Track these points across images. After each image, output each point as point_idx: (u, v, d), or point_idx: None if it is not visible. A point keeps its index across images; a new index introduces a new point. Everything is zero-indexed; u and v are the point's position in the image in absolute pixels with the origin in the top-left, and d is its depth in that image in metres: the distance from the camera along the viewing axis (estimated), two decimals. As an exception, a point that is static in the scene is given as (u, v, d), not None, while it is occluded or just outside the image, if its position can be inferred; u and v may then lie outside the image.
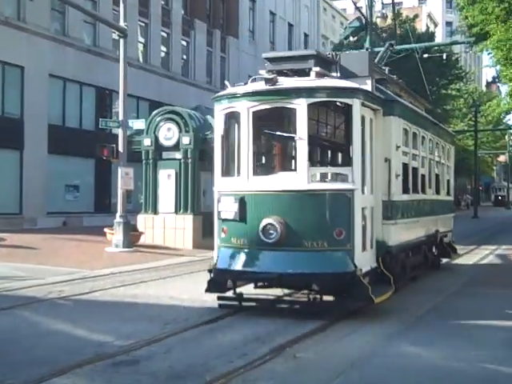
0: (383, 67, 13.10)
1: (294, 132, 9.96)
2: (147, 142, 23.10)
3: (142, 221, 22.91)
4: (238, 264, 9.94)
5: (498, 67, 18.96)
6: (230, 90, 10.69)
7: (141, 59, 34.28)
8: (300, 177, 9.74)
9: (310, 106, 9.83)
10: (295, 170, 10.12)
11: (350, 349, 7.99)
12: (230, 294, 10.31)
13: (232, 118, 10.59)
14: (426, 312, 10.38)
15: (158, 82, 34.70)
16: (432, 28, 76.66)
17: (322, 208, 9.70)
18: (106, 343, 8.14)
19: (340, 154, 12.53)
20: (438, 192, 15.50)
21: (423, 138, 13.65)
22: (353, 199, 9.66)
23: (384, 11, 26.55)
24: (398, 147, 11.28)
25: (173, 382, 6.72)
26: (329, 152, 13.84)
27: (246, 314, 10.13)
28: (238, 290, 10.28)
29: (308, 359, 7.54)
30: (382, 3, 26.25)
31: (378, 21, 27.41)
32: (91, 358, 7.32)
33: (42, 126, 27.70)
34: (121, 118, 21.25)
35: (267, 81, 9.83)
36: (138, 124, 22.44)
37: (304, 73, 10.40)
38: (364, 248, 10.03)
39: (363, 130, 10.19)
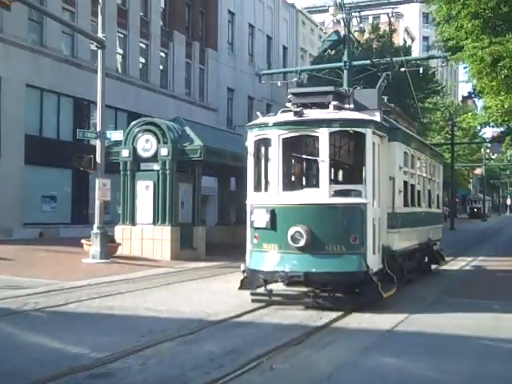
0: (382, 96, 14.59)
1: (317, 155, 11.93)
2: (125, 153, 23.05)
3: (120, 232, 22.80)
4: (269, 265, 11.65)
5: (474, 81, 19.21)
6: (261, 119, 12.73)
7: (119, 70, 34.21)
8: (322, 192, 11.66)
9: (330, 134, 11.85)
10: (318, 186, 12.01)
11: (327, 360, 8.01)
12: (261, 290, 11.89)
13: (263, 144, 12.48)
14: (402, 322, 10.45)
15: (137, 93, 34.65)
16: (409, 42, 77.54)
17: (340, 218, 11.60)
18: (81, 355, 8.06)
19: (355, 174, 13.67)
20: (429, 205, 17.64)
21: (419, 158, 15.88)
22: (365, 211, 11.61)
23: (362, 25, 26.77)
24: (400, 168, 13.47)
25: (149, 394, 6.69)
26: (345, 171, 15.67)
27: (225, 325, 10.14)
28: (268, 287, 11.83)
29: (285, 370, 7.54)
30: (360, 17, 26.46)
31: (356, 34, 27.65)
32: (66, 371, 7.24)
33: (18, 136, 27.49)
34: (99, 128, 21.17)
35: (295, 113, 11.79)
36: (116, 135, 22.37)
37: (324, 105, 12.33)
38: (374, 252, 11.90)
39: (373, 154, 12.05)
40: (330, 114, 12.05)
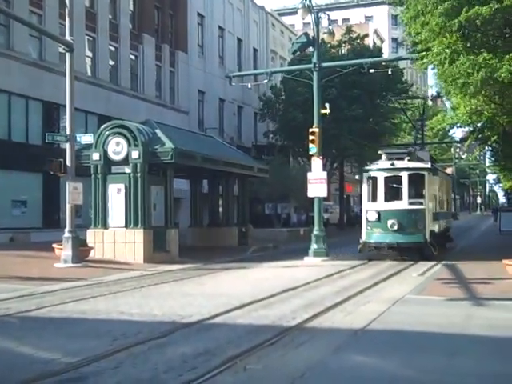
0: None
1: (401, 184, 22.50)
2: (96, 156, 22.94)
3: (92, 235, 22.67)
4: (377, 239, 22.45)
5: (441, 83, 19.45)
6: (371, 166, 23.80)
7: (89, 73, 33.96)
8: (404, 203, 22.41)
9: (408, 174, 22.42)
10: (402, 199, 22.54)
11: (300, 360, 8.05)
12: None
13: (372, 178, 23.07)
14: (375, 320, 10.54)
15: (107, 96, 34.44)
16: (379, 44, 78.11)
17: (413, 215, 22.23)
18: (52, 360, 7.99)
19: (419, 193, 23.14)
20: (447, 208, 29.94)
21: (441, 180, 27.46)
22: (424, 212, 22.44)
23: (331, 27, 26.90)
24: (435, 189, 24.75)
25: (122, 398, 6.67)
26: (415, 192, 23.26)
27: (199, 327, 10.15)
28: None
29: (258, 371, 7.56)
30: (329, 19, 26.60)
31: (325, 37, 27.78)
32: (37, 376, 7.18)
33: (-13, 140, 27.15)
34: (68, 132, 21.01)
35: (391, 164, 22.57)
36: (86, 138, 22.23)
37: (402, 158, 22.98)
38: (428, 232, 22.27)
39: (427, 183, 22.93)
40: (406, 163, 22.80)
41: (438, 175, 26.09)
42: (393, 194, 22.90)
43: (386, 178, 22.51)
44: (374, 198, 22.81)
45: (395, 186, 22.93)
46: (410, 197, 22.64)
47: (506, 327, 10.03)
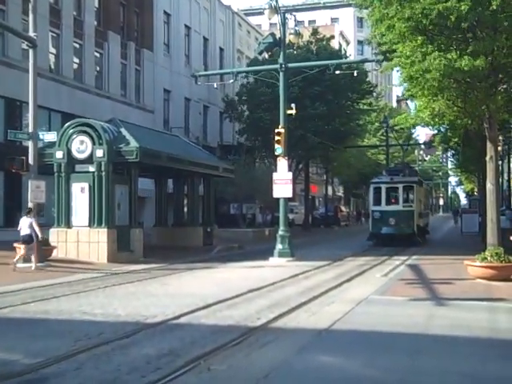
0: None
1: (398, 193, 32.10)
2: (59, 154, 22.67)
3: (55, 235, 22.39)
4: (380, 230, 31.26)
5: (405, 85, 19.64)
6: (376, 179, 33.64)
7: (53, 70, 33.49)
8: (400, 205, 31.68)
9: (403, 186, 31.91)
10: (398, 203, 31.87)
11: (264, 360, 8.05)
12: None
13: (377, 188, 32.40)
14: (339, 320, 10.60)
15: (71, 93, 34.00)
16: (344, 45, 78.72)
17: (406, 214, 31.04)
18: (12, 361, 7.86)
19: (409, 198, 32.24)
20: (425, 208, 40.99)
21: (424, 190, 39.33)
22: (414, 212, 31.48)
23: (297, 28, 26.97)
24: (420, 196, 33.95)
25: (84, 399, 6.58)
26: (407, 198, 32.35)
27: (163, 328, 10.08)
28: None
29: (222, 371, 7.54)
30: (296, 20, 26.67)
31: (291, 37, 27.86)
32: (-4, 377, 7.07)
33: None
34: (31, 129, 20.72)
35: (390, 179, 32.35)
36: (49, 136, 21.96)
37: (398, 174, 33.21)
38: (416, 226, 31.36)
39: (415, 192, 32.29)
40: (401, 178, 32.27)
41: (422, 186, 36.60)
42: (391, 199, 32.49)
43: (387, 188, 32.18)
44: (378, 202, 32.25)
45: (393, 193, 32.44)
46: (403, 201, 32.02)
47: (467, 327, 10.17)
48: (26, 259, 19.41)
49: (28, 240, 19.41)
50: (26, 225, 19.55)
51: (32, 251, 19.30)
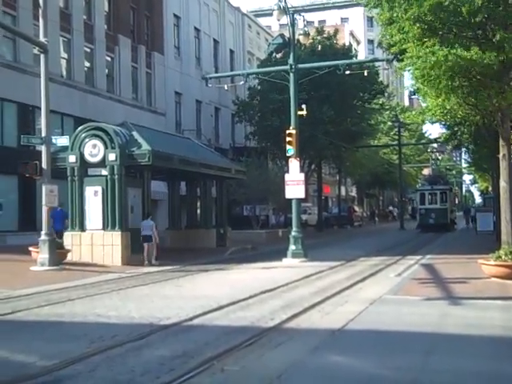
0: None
1: (436, 196, 49.95)
2: (72, 158, 22.80)
3: (69, 238, 22.51)
4: (425, 222, 48.42)
5: (417, 84, 19.58)
6: (421, 187, 56.47)
7: (64, 75, 33.67)
8: (438, 204, 49.29)
9: (440, 192, 50.03)
10: (437, 204, 49.43)
11: (277, 360, 8.05)
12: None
13: (421, 194, 51.66)
14: (352, 321, 10.59)
15: (83, 98, 34.17)
16: (355, 45, 78.49)
17: (443, 211, 48.79)
18: (27, 364, 7.92)
19: (446, 199, 49.48)
20: (454, 206, 63.70)
21: (453, 193, 66.59)
22: (448, 210, 49.79)
23: (306, 29, 26.93)
24: (450, 198, 53.05)
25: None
26: (443, 199, 49.28)
27: (176, 329, 10.11)
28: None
29: (235, 372, 7.55)
30: (305, 21, 26.66)
31: (301, 38, 27.82)
32: (11, 380, 7.13)
33: (-39, 143, 26.79)
34: (44, 134, 20.84)
35: (431, 187, 51.25)
36: (62, 140, 22.09)
37: (435, 183, 52.51)
38: (451, 218, 51.25)
39: (449, 195, 51.10)
40: (438, 186, 51.07)
41: (452, 191, 57.06)
42: (432, 200, 49.08)
43: (428, 193, 49.84)
44: (423, 203, 49.45)
45: (433, 197, 49.18)
46: (440, 202, 48.51)
47: (481, 326, 10.13)
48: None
49: (149, 240, 22.42)
50: (147, 226, 22.61)
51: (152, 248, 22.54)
